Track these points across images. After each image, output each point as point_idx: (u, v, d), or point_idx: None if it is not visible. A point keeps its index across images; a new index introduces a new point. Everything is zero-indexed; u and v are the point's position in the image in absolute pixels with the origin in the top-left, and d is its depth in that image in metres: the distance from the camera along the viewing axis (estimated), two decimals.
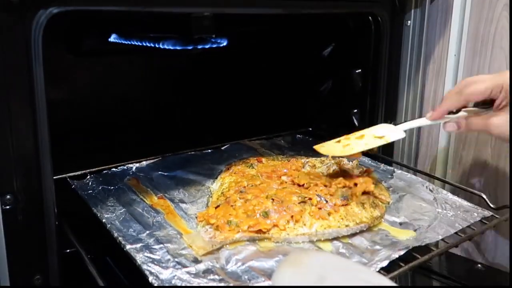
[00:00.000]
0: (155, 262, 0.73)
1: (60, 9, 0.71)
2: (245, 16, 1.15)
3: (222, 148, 1.28)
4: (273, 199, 0.86)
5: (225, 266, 0.74)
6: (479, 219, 0.91)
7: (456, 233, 0.86)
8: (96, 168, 1.07)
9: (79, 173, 1.04)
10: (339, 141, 0.97)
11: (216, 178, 1.06)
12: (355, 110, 1.30)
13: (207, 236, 0.80)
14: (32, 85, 0.71)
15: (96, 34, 1.14)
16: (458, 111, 0.87)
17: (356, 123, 1.29)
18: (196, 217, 0.89)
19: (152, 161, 1.14)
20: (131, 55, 1.28)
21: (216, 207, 0.87)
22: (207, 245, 0.78)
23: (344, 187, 0.91)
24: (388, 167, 1.16)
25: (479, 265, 1.12)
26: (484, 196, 0.98)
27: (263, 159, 1.10)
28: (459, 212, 0.93)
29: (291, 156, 1.17)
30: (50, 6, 0.70)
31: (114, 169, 1.08)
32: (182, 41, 1.05)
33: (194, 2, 0.86)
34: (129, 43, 1.11)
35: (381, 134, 0.94)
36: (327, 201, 0.86)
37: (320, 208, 0.85)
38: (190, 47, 1.06)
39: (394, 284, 0.57)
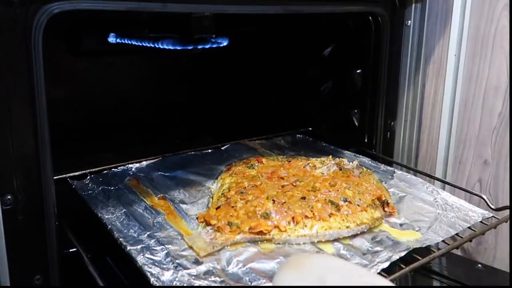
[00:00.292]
0: (156, 264, 0.73)
1: (61, 9, 0.71)
2: (245, 16, 1.15)
3: (222, 148, 1.28)
4: (274, 200, 0.86)
5: (226, 268, 0.74)
6: (480, 220, 0.91)
7: (456, 234, 0.86)
8: (96, 168, 1.07)
9: (79, 173, 1.04)
10: None
11: (217, 178, 1.06)
12: (355, 110, 1.30)
13: (208, 237, 0.80)
14: (32, 85, 0.71)
15: (96, 34, 1.14)
16: None
17: (356, 123, 1.29)
18: (197, 218, 0.89)
19: (152, 161, 1.14)
20: (131, 55, 1.28)
21: (216, 208, 0.87)
22: (208, 247, 0.78)
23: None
24: (389, 167, 1.16)
25: (479, 265, 1.12)
26: (485, 197, 0.98)
27: (264, 160, 1.10)
28: (459, 213, 0.93)
29: (291, 157, 1.17)
30: (50, 6, 0.70)
31: (114, 169, 1.09)
32: (182, 41, 1.05)
33: (194, 1, 0.86)
34: (129, 43, 1.11)
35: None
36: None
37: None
38: (190, 47, 1.06)
39: (394, 285, 0.57)
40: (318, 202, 0.86)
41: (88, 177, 1.03)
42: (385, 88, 1.21)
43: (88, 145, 1.20)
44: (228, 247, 0.80)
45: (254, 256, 0.78)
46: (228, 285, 0.70)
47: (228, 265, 0.75)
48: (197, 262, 0.75)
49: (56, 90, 1.13)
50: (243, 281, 0.71)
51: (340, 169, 1.02)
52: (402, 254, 0.77)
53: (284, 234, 0.82)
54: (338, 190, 0.90)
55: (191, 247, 0.79)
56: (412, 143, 1.28)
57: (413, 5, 1.19)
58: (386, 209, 0.92)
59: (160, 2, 0.80)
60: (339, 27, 1.31)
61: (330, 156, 1.10)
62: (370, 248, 0.81)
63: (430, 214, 0.93)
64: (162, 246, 0.78)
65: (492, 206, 0.96)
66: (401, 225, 0.89)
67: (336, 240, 0.83)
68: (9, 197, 0.72)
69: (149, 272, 0.71)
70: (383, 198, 0.92)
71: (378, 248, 0.80)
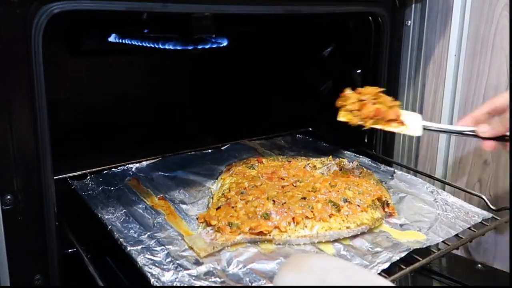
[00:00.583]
0: (156, 264, 0.73)
1: (61, 9, 0.71)
2: (245, 16, 1.15)
3: (222, 148, 1.28)
4: (274, 201, 0.86)
5: (227, 268, 0.74)
6: (480, 220, 0.91)
7: (456, 235, 0.86)
8: (96, 168, 1.07)
9: (79, 173, 1.04)
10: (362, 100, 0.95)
11: (217, 178, 1.06)
12: None
13: (208, 237, 0.80)
14: (32, 85, 0.71)
15: (96, 34, 1.14)
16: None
17: None
18: (197, 219, 0.89)
19: (152, 161, 1.14)
20: (131, 55, 1.28)
21: (217, 209, 0.87)
22: (208, 247, 0.78)
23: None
24: (389, 168, 1.16)
25: (479, 265, 1.12)
26: (485, 198, 0.98)
27: (264, 160, 1.10)
28: (459, 213, 0.93)
29: (291, 157, 1.17)
30: (50, 6, 0.70)
31: (114, 169, 1.09)
32: (182, 41, 1.05)
33: (194, 2, 0.86)
34: (129, 43, 1.10)
35: (405, 121, 0.92)
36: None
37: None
38: (190, 47, 1.06)
39: (394, 285, 0.58)
40: (319, 202, 0.86)
41: (88, 177, 1.03)
42: (385, 88, 1.21)
43: (88, 145, 1.21)
44: (229, 247, 0.80)
45: (254, 256, 0.78)
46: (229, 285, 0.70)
47: (228, 266, 0.75)
48: (197, 263, 0.75)
49: (56, 90, 1.13)
50: (243, 282, 0.71)
51: (340, 170, 1.02)
52: (403, 254, 0.77)
53: (284, 234, 0.82)
54: (338, 191, 0.90)
55: (191, 248, 0.79)
56: (412, 143, 1.28)
57: (413, 5, 1.18)
58: (386, 209, 0.92)
59: (160, 2, 0.80)
60: (339, 27, 1.31)
61: (330, 157, 1.11)
62: (370, 249, 0.81)
63: (430, 214, 0.93)
64: (163, 247, 0.78)
65: (492, 207, 0.96)
66: (401, 225, 0.89)
67: (337, 240, 0.83)
68: (9, 197, 0.72)
69: (149, 272, 0.71)
70: (383, 199, 0.92)
71: (378, 249, 0.80)
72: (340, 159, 1.08)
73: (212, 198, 0.97)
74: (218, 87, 1.46)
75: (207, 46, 1.09)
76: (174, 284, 0.69)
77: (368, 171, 1.07)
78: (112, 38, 1.12)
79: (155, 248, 0.78)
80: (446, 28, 1.15)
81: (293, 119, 1.48)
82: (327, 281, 0.57)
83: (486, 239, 1.15)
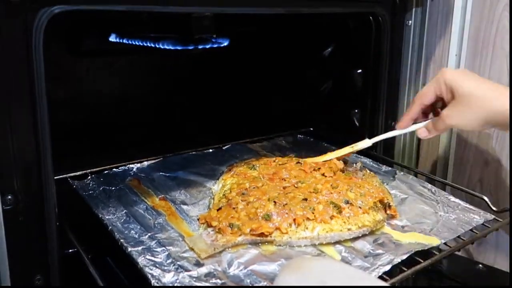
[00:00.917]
0: (157, 265, 0.73)
1: (61, 9, 0.71)
2: (246, 16, 1.15)
3: (223, 148, 1.27)
4: (275, 202, 0.85)
5: (227, 270, 0.74)
6: (482, 222, 0.91)
7: (458, 236, 0.86)
8: (97, 168, 1.07)
9: (79, 173, 1.04)
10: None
11: (218, 179, 1.05)
12: (356, 110, 1.29)
13: (209, 239, 0.80)
14: (32, 85, 0.71)
15: (96, 34, 1.14)
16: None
17: (357, 123, 1.29)
18: (198, 219, 0.89)
19: (153, 161, 1.14)
20: (131, 55, 1.27)
21: (218, 210, 0.86)
22: (209, 248, 0.78)
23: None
24: (390, 169, 1.15)
25: (480, 266, 1.11)
26: (486, 199, 0.98)
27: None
28: (461, 215, 0.93)
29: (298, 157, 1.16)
30: (50, 6, 0.70)
31: (115, 169, 1.08)
32: (182, 41, 1.05)
33: (194, 2, 0.86)
34: (129, 43, 1.10)
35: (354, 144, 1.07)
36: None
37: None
38: (190, 47, 1.06)
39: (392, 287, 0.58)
40: (320, 204, 0.86)
41: (89, 177, 1.03)
42: (385, 88, 1.21)
43: (89, 145, 1.20)
44: (229, 249, 0.79)
45: (255, 258, 0.78)
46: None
47: (229, 267, 0.75)
48: (198, 264, 0.75)
49: (56, 90, 1.13)
50: (244, 283, 0.71)
51: (342, 171, 1.01)
52: (404, 257, 0.77)
53: (285, 236, 0.81)
54: (340, 192, 0.89)
55: (192, 249, 0.79)
56: (412, 143, 1.28)
57: (414, 5, 1.18)
58: (388, 211, 0.91)
59: (161, 2, 0.80)
60: (339, 27, 1.30)
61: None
62: (371, 251, 0.80)
63: (431, 216, 0.93)
64: (163, 248, 0.78)
65: (494, 208, 0.96)
66: (402, 227, 0.89)
67: (338, 242, 0.83)
68: (9, 197, 0.72)
69: (150, 273, 0.71)
70: (386, 201, 0.91)
71: (379, 251, 0.80)
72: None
73: (213, 198, 0.97)
74: (218, 87, 1.46)
75: (207, 46, 1.08)
76: (175, 285, 0.69)
77: (371, 173, 1.06)
78: (112, 38, 1.11)
79: (155, 249, 0.78)
80: (447, 28, 1.15)
81: (294, 119, 1.48)
82: (327, 284, 0.57)
83: (487, 240, 1.14)
